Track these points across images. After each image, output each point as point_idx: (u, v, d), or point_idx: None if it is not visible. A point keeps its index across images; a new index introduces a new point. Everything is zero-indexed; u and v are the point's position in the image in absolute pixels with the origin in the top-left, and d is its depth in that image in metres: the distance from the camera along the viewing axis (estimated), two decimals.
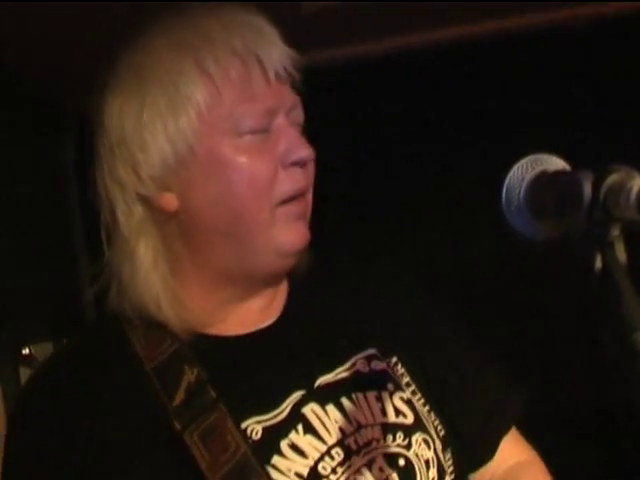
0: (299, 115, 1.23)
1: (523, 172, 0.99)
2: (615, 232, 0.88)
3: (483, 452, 1.40)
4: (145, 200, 1.19)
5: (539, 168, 0.98)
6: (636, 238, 0.93)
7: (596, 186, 0.88)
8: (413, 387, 1.30)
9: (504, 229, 1.00)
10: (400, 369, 1.30)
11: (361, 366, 1.27)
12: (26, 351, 2.40)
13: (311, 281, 1.32)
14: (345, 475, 1.17)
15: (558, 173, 0.98)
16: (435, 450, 1.26)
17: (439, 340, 1.38)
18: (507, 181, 0.99)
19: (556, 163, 0.99)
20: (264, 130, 1.17)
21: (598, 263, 0.87)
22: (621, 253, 0.88)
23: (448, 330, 1.41)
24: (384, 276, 1.41)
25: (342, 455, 1.18)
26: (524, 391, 1.42)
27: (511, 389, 1.42)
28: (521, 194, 0.98)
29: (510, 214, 0.99)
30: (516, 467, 1.42)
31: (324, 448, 1.18)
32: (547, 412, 2.71)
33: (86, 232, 2.83)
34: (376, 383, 1.26)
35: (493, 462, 1.41)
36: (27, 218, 2.53)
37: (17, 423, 1.23)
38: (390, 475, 1.20)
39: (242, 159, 1.15)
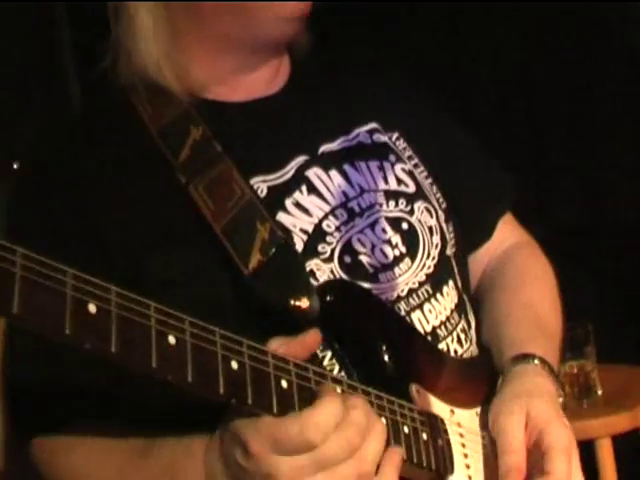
0: None
1: None
2: None
3: (481, 232, 1.46)
4: None
5: None
6: None
7: None
8: (415, 160, 1.33)
9: None
10: (402, 143, 1.34)
11: (363, 138, 1.29)
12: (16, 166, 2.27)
13: (314, 60, 1.34)
14: (349, 234, 1.20)
15: None
16: (438, 219, 1.30)
17: (436, 124, 1.42)
18: None
19: None
20: None
21: None
22: None
23: (444, 119, 1.45)
24: (384, 63, 1.43)
25: (345, 216, 1.21)
26: (517, 179, 1.48)
27: (505, 175, 1.48)
28: None
29: None
30: (511, 249, 1.48)
31: (328, 208, 1.20)
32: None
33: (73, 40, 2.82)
34: (378, 154, 1.29)
35: (490, 244, 1.47)
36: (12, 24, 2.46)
37: (30, 174, 1.25)
38: (393, 236, 1.24)
39: None
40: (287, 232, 1.17)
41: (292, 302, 1.10)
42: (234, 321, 1.02)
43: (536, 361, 1.24)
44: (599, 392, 2.51)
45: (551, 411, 1.17)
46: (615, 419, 2.44)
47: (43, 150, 1.28)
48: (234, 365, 0.92)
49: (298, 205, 1.20)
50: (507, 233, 1.49)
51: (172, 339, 0.87)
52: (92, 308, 0.81)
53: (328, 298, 1.13)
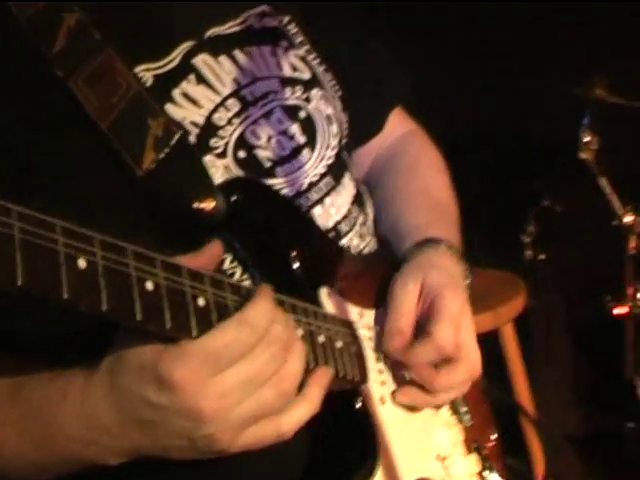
0: None
1: None
2: None
3: (372, 124, 1.40)
4: None
5: None
6: None
7: None
8: (307, 46, 1.25)
9: None
10: (293, 28, 1.25)
11: (253, 21, 1.19)
12: None
13: None
14: (242, 126, 1.11)
15: None
16: (335, 108, 1.24)
17: (328, 12, 1.33)
18: None
19: None
20: None
21: None
22: None
23: (339, 12, 1.36)
24: None
25: (238, 106, 1.12)
26: (412, 74, 1.44)
27: (399, 71, 1.43)
28: None
29: None
30: (403, 137, 1.44)
31: (218, 99, 1.11)
32: None
33: None
34: (270, 38, 1.20)
35: (380, 136, 1.42)
36: None
37: None
38: (290, 126, 1.16)
39: None
40: (178, 126, 1.06)
41: (196, 204, 1.01)
42: (129, 226, 0.91)
43: (442, 245, 1.21)
44: None
45: (447, 281, 1.15)
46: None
47: None
48: (149, 286, 0.82)
49: (186, 96, 1.09)
50: (396, 124, 1.45)
51: (82, 263, 0.76)
52: None
53: (232, 198, 1.04)
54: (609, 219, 2.79)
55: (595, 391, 3.16)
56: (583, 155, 2.73)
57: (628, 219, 2.72)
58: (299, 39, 1.25)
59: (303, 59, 1.23)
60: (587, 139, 2.70)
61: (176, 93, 1.08)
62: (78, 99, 1.01)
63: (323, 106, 1.21)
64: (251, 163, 1.11)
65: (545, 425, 2.53)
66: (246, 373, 0.86)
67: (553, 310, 3.29)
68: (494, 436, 1.33)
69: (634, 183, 2.74)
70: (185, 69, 1.10)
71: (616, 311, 2.79)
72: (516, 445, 2.34)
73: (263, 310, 0.88)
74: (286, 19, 1.24)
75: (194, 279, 0.87)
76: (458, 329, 1.12)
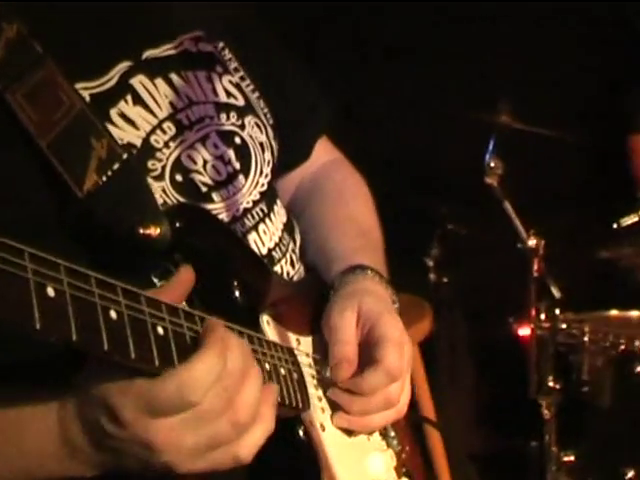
0: None
1: None
2: None
3: (298, 152, 1.41)
4: None
5: None
6: None
7: None
8: (241, 73, 1.26)
9: None
10: (227, 54, 1.25)
11: (189, 45, 1.20)
12: None
13: None
14: (178, 150, 1.11)
15: None
16: (267, 135, 1.24)
17: (259, 39, 1.35)
18: None
19: None
20: None
21: None
22: None
23: (268, 37, 1.38)
24: None
25: (174, 130, 1.12)
26: (332, 103, 1.46)
27: (322, 99, 1.45)
28: None
29: None
30: (328, 164, 1.46)
31: (155, 121, 1.10)
32: None
33: None
34: (205, 63, 1.21)
35: (305, 164, 1.44)
36: None
37: None
38: (226, 152, 1.16)
39: None
40: (123, 148, 1.04)
41: (141, 230, 0.98)
42: (68, 250, 0.87)
43: (368, 271, 1.22)
44: None
45: (382, 307, 1.16)
46: None
47: None
48: (113, 315, 0.80)
49: (124, 116, 1.08)
50: (321, 152, 1.47)
51: (51, 291, 0.74)
52: None
53: (177, 224, 1.02)
54: (513, 242, 2.85)
55: (499, 411, 3.23)
56: (488, 180, 2.79)
57: (532, 242, 2.79)
58: (233, 65, 1.25)
59: (237, 86, 1.23)
60: (492, 164, 2.76)
61: (113, 113, 1.07)
62: (16, 114, 0.98)
63: (257, 133, 1.22)
64: (188, 187, 1.11)
65: (451, 443, 2.57)
66: (198, 411, 0.86)
67: (457, 332, 3.35)
68: (420, 460, 1.34)
69: (538, 207, 2.81)
70: (123, 89, 1.09)
71: (520, 332, 2.85)
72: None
73: (215, 353, 0.87)
74: (220, 44, 1.24)
75: (151, 306, 0.85)
76: (402, 354, 1.12)
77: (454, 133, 3.13)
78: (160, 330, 0.85)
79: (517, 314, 2.90)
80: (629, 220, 2.09)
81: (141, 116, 1.09)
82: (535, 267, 2.82)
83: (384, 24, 3.36)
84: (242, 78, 1.25)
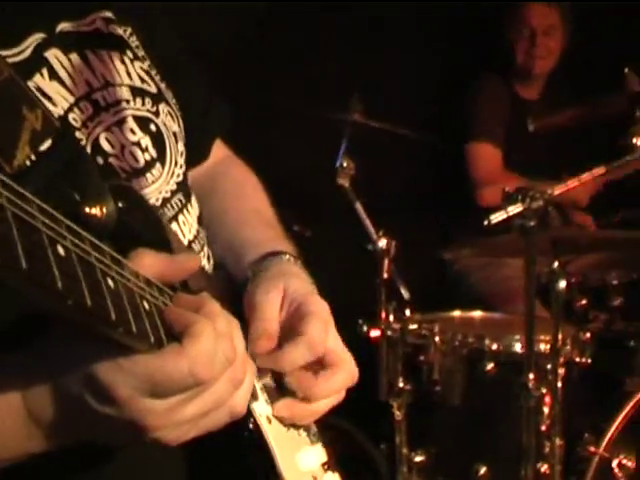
0: None
1: None
2: None
3: (199, 151, 1.38)
4: None
5: None
6: None
7: None
8: (149, 62, 1.21)
9: None
10: (135, 40, 1.20)
11: (100, 25, 1.14)
12: None
13: None
14: (96, 131, 1.06)
15: None
16: (179, 126, 1.22)
17: (165, 36, 1.31)
18: None
19: None
20: None
21: None
22: None
23: (174, 37, 1.35)
24: None
25: (91, 110, 1.07)
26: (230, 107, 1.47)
27: (221, 101, 1.44)
28: None
29: None
30: (224, 160, 1.45)
31: (72, 99, 1.05)
32: None
33: None
34: (117, 46, 1.16)
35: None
36: None
37: None
38: (142, 138, 1.12)
39: None
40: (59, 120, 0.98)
41: (86, 209, 0.89)
42: None
43: (287, 256, 1.20)
44: None
45: (309, 288, 1.15)
46: None
47: None
48: (110, 283, 0.76)
49: (40, 91, 1.01)
50: (214, 149, 1.45)
51: (61, 250, 0.70)
52: None
53: (120, 205, 0.94)
54: (364, 243, 2.84)
55: (350, 413, 3.20)
56: (340, 180, 2.77)
57: (382, 243, 2.78)
58: (140, 53, 1.20)
59: (148, 73, 1.19)
60: (344, 164, 2.74)
61: (30, 85, 0.98)
62: None
63: (170, 122, 1.19)
64: (108, 172, 1.05)
65: None
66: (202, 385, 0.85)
67: None
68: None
69: (389, 208, 2.81)
70: (38, 61, 1.03)
71: (371, 334, 2.84)
72: None
73: (208, 323, 0.85)
74: (129, 30, 1.19)
75: (135, 276, 0.83)
76: (327, 332, 1.09)
77: (306, 133, 3.10)
78: (146, 305, 0.82)
79: (367, 316, 2.90)
80: (499, 217, 2.11)
81: (58, 93, 1.04)
82: (385, 268, 2.82)
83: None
84: (150, 67, 1.21)
